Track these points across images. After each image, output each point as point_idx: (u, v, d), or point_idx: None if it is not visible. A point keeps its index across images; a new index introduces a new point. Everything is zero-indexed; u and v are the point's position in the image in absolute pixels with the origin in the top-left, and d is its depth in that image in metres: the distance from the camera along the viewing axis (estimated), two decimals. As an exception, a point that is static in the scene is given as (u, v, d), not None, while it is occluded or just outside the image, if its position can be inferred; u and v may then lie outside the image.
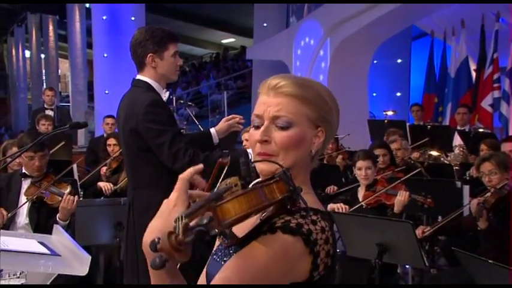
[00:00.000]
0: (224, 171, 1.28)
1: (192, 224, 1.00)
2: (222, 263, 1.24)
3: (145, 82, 2.85)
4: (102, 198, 4.92)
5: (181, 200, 1.14)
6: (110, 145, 5.67)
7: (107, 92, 10.33)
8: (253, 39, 14.57)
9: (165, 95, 2.90)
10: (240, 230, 1.23)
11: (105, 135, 6.79)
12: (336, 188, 5.00)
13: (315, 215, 1.19)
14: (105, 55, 10.36)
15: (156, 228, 1.11)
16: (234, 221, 1.04)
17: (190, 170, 1.20)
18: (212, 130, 3.00)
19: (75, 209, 3.68)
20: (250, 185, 1.22)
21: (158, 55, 2.83)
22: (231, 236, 1.19)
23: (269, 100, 1.28)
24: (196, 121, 4.61)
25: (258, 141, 1.28)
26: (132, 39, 2.90)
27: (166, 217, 1.12)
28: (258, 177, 1.27)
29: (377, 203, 4.15)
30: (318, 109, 1.29)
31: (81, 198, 4.62)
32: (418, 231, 3.95)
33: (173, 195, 1.16)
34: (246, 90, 15.63)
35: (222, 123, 3.02)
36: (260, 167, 1.27)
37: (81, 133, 10.50)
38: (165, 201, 1.16)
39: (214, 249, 1.37)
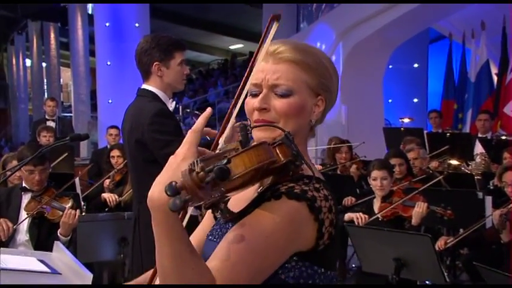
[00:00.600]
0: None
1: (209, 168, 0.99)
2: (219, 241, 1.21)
3: (151, 91, 2.89)
4: (105, 213, 4.94)
5: (191, 152, 1.13)
6: (113, 157, 5.70)
7: (110, 101, 10.39)
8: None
9: (171, 105, 2.93)
10: (236, 206, 1.25)
11: (108, 146, 6.82)
12: (353, 199, 4.96)
13: (318, 183, 1.21)
14: (109, 63, 10.43)
15: (164, 181, 1.08)
16: (244, 175, 1.04)
17: (201, 121, 1.18)
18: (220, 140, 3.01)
19: (76, 224, 3.70)
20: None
21: (164, 64, 2.86)
22: (226, 211, 1.19)
23: (268, 67, 1.29)
24: (203, 131, 4.65)
25: (256, 109, 1.29)
26: (137, 48, 2.94)
27: (175, 169, 1.10)
28: None
29: (393, 215, 4.13)
30: (319, 76, 1.30)
31: (83, 213, 4.64)
32: (440, 243, 3.92)
33: (182, 148, 1.14)
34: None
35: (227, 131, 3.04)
36: (258, 134, 1.28)
37: (83, 145, 10.56)
38: (172, 156, 1.15)
39: (209, 230, 1.37)
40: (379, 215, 4.14)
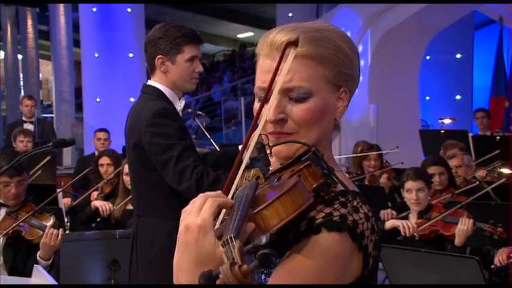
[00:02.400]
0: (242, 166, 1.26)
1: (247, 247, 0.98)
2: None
3: (156, 88, 2.92)
4: (92, 230, 4.96)
5: (209, 222, 1.08)
6: (102, 165, 5.73)
7: (98, 100, 10.45)
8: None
9: (180, 105, 2.96)
10: None
11: (96, 153, 6.86)
12: (394, 213, 4.90)
13: (355, 200, 1.21)
14: (96, 55, 10.50)
15: (185, 267, 1.07)
16: (281, 227, 1.06)
17: (223, 199, 1.13)
18: (241, 147, 3.00)
19: (59, 245, 3.71)
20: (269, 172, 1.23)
21: (169, 58, 2.89)
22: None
23: (274, 65, 1.23)
24: (207, 134, 4.61)
25: (270, 122, 1.25)
26: (146, 36, 2.97)
27: (197, 248, 1.07)
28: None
29: (433, 233, 4.12)
30: (338, 66, 1.28)
31: (67, 231, 4.66)
32: (502, 257, 3.88)
33: (197, 218, 1.09)
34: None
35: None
36: (277, 149, 1.27)
37: (67, 151, 10.61)
38: (183, 230, 1.10)
39: None
40: (415, 234, 4.12)
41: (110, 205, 5.16)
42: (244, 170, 1.28)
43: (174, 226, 2.65)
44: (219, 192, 1.15)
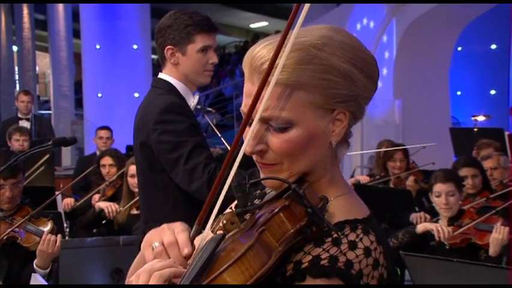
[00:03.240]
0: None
1: None
2: None
3: (167, 82, 2.92)
4: (94, 237, 4.97)
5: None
6: (104, 166, 5.74)
7: (100, 95, 10.50)
8: (293, 21, 14.59)
9: (193, 100, 2.95)
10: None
11: (98, 152, 6.88)
12: (428, 216, 4.85)
13: (354, 231, 1.19)
14: (98, 46, 10.53)
15: None
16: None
17: (170, 271, 1.14)
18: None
19: (58, 253, 3.73)
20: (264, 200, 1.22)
21: (180, 49, 2.88)
22: None
23: (254, 90, 1.20)
24: (217, 132, 4.60)
25: (249, 153, 1.24)
26: (156, 25, 2.97)
27: None
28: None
29: (465, 242, 4.09)
30: (328, 88, 1.21)
31: (66, 237, 4.68)
32: None
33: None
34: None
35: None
36: (265, 181, 1.27)
37: (66, 151, 10.67)
38: (133, 275, 1.14)
39: None
40: (445, 242, 4.10)
41: (116, 206, 5.15)
42: (220, 214, 1.25)
43: None
44: (168, 261, 1.15)
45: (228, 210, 1.32)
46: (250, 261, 1.06)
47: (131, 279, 1.15)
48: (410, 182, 6.13)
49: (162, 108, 2.76)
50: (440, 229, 4.10)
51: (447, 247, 4.10)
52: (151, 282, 1.10)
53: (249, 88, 1.24)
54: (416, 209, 5.47)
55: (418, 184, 6.10)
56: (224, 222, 1.20)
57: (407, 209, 5.40)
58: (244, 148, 1.21)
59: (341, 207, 1.23)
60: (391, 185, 6.15)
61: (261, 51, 1.22)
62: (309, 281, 1.14)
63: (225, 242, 1.17)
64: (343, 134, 1.27)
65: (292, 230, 1.12)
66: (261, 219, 1.16)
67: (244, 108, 1.24)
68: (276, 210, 1.13)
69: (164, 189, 2.81)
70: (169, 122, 2.74)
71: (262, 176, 1.27)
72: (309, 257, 1.16)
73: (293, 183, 1.15)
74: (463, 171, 4.74)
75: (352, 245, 1.16)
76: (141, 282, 1.11)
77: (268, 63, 1.18)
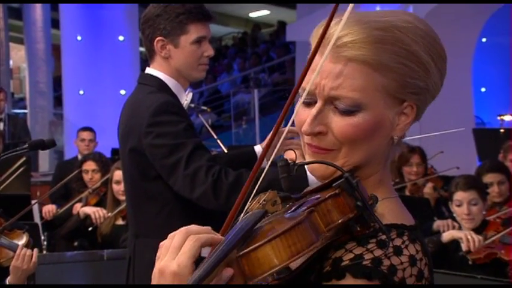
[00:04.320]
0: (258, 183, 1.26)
1: None
2: None
3: (156, 78, 2.90)
4: (75, 251, 4.97)
5: (186, 271, 1.11)
6: (87, 171, 5.74)
7: (81, 92, 10.49)
8: (297, 11, 14.62)
9: (186, 98, 2.93)
10: None
11: (79, 156, 6.88)
12: (456, 225, 4.81)
13: (400, 237, 1.20)
14: (79, 38, 10.53)
15: None
16: (269, 275, 1.07)
17: (207, 236, 1.15)
18: (257, 148, 2.97)
19: (34, 269, 3.72)
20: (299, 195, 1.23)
21: (171, 40, 2.85)
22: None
23: (325, 66, 1.21)
24: (213, 133, 4.62)
25: (306, 134, 1.25)
26: (142, 15, 2.96)
27: None
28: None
29: (489, 257, 4.08)
30: (405, 76, 1.24)
31: (44, 251, 4.68)
32: None
33: (173, 262, 1.12)
34: (286, 88, 15.64)
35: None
36: (311, 166, 1.28)
37: (44, 155, 10.67)
38: (157, 270, 1.14)
39: None
40: (468, 257, 4.10)
41: (104, 211, 5.14)
42: (259, 192, 1.27)
43: None
44: (206, 227, 1.16)
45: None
46: (298, 236, 1.07)
47: (164, 243, 1.15)
48: (428, 189, 6.12)
49: (154, 109, 2.74)
50: (470, 238, 4.06)
51: (470, 262, 4.09)
52: (187, 243, 1.11)
53: (317, 62, 1.22)
54: (435, 219, 5.48)
55: (437, 192, 6.10)
56: (264, 201, 1.23)
57: (425, 219, 5.40)
58: (300, 128, 1.24)
59: (388, 210, 1.25)
60: (407, 193, 6.15)
61: (335, 26, 1.21)
62: (349, 280, 1.15)
63: (266, 220, 1.18)
64: (405, 130, 1.30)
65: (339, 221, 1.13)
66: (306, 204, 1.17)
67: (305, 83, 1.23)
68: (326, 196, 1.14)
69: (157, 199, 2.80)
70: (165, 123, 2.73)
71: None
72: (351, 255, 1.17)
73: (347, 172, 1.16)
74: (488, 178, 4.74)
75: (398, 251, 1.18)
76: (174, 243, 1.12)
77: (345, 36, 1.20)
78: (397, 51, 1.22)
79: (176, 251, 1.11)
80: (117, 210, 5.02)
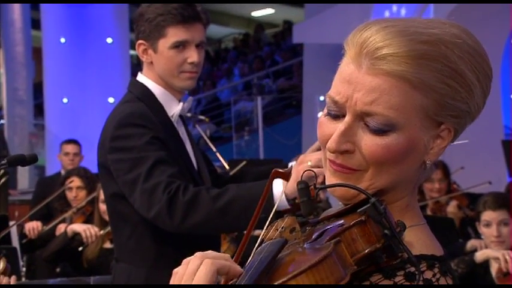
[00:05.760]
0: (273, 210, 1.27)
1: None
2: None
3: (142, 85, 2.89)
4: (58, 278, 4.96)
5: None
6: (71, 189, 5.74)
7: (65, 100, 10.49)
8: (305, 9, 14.65)
9: (177, 108, 2.89)
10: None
11: (63, 172, 6.88)
12: (484, 244, 4.76)
13: (431, 269, 1.20)
14: (63, 40, 10.55)
15: None
16: None
17: (224, 263, 1.17)
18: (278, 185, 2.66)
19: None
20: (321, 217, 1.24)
21: (151, 44, 2.85)
22: None
23: (359, 77, 1.22)
24: (211, 145, 4.60)
25: (331, 151, 1.25)
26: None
27: None
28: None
29: (521, 283, 4.08)
30: (446, 97, 1.23)
31: (23, 279, 4.67)
32: None
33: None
34: (292, 95, 15.65)
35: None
36: (332, 180, 1.28)
37: (23, 171, 10.66)
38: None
39: None
40: (496, 280, 4.09)
41: (96, 229, 5.12)
42: (275, 219, 1.29)
43: (149, 276, 2.62)
44: (224, 255, 1.18)
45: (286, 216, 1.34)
46: (327, 271, 1.08)
47: (178, 271, 1.17)
48: (452, 208, 6.12)
49: (117, 122, 2.75)
50: (509, 257, 4.05)
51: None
52: (202, 268, 1.12)
53: (352, 73, 1.23)
54: (460, 241, 5.47)
55: (462, 211, 6.09)
56: (282, 228, 1.23)
57: (449, 241, 5.40)
58: (324, 142, 1.24)
59: (417, 239, 1.25)
60: (429, 212, 6.15)
61: (377, 35, 1.21)
62: None
63: (285, 250, 1.18)
64: (440, 155, 1.30)
65: (366, 251, 1.13)
66: (328, 231, 1.17)
67: (336, 95, 1.24)
68: (351, 224, 1.14)
69: (128, 221, 2.78)
70: (126, 137, 2.72)
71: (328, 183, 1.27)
72: None
73: (373, 197, 1.16)
74: (519, 195, 4.73)
75: (428, 285, 1.18)
76: (190, 269, 1.13)
77: (386, 48, 1.19)
78: (441, 69, 1.21)
79: (191, 277, 1.12)
80: (104, 232, 5.00)
